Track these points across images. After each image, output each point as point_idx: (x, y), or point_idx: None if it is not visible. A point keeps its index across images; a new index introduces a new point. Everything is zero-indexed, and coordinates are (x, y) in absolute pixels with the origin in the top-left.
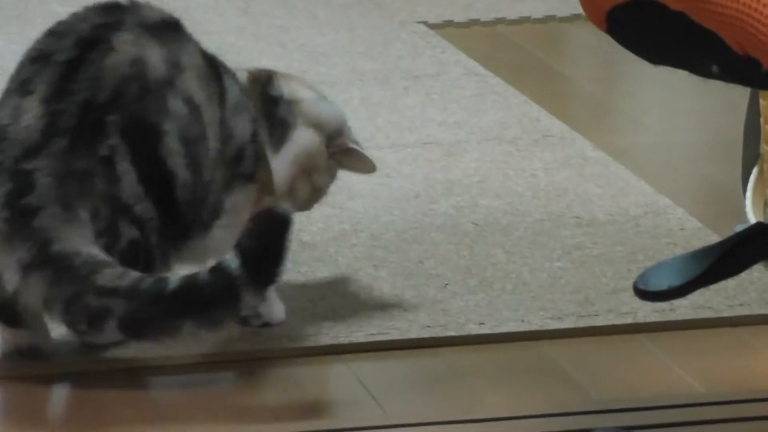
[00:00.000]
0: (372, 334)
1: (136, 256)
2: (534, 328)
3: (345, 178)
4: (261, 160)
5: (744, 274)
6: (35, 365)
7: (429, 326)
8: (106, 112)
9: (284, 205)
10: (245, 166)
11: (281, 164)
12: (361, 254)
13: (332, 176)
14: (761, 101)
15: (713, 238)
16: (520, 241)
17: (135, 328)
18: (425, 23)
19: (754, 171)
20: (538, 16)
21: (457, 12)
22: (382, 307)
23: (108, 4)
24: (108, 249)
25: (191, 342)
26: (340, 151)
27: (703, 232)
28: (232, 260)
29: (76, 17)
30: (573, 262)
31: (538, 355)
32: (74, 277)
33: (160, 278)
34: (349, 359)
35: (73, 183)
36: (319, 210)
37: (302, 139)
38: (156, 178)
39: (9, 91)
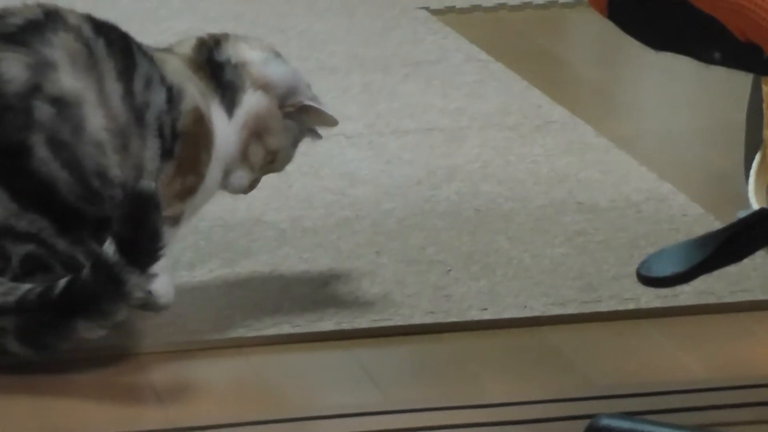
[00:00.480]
0: (374, 320)
1: (39, 266)
2: (536, 314)
3: (347, 165)
4: (183, 137)
5: (746, 261)
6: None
7: (431, 312)
8: None
9: (146, 182)
10: (165, 140)
11: (233, 129)
12: (363, 241)
13: (290, 137)
14: (764, 87)
15: (716, 225)
16: (522, 227)
17: (32, 339)
18: (427, 9)
19: (757, 157)
20: (540, 2)
21: None
22: (385, 293)
23: None
24: (2, 271)
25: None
26: (296, 110)
27: (705, 218)
28: (108, 248)
29: None
30: (575, 248)
31: (540, 341)
32: None
33: (47, 286)
34: (352, 345)
35: None
36: (320, 196)
37: (251, 102)
38: (32, 190)
39: None
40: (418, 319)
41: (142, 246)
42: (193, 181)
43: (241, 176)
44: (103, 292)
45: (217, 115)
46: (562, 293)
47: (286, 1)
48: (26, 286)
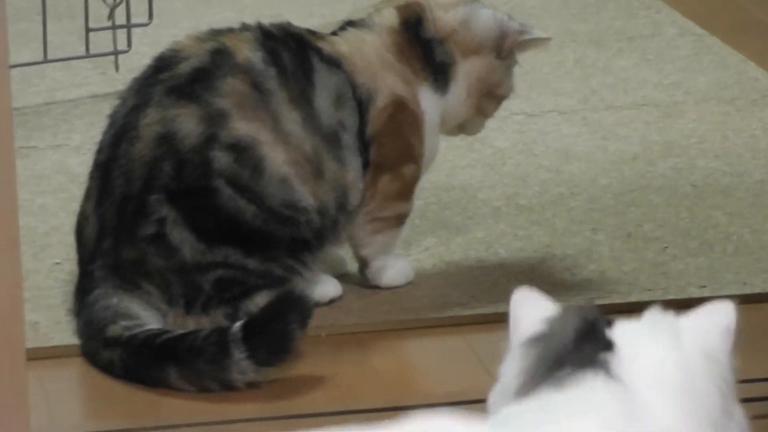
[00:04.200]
0: (591, 298)
1: (233, 284)
2: (757, 290)
3: (561, 141)
4: (379, 138)
5: None
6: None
7: (649, 289)
8: (145, 196)
9: (303, 289)
10: (362, 154)
11: (454, 101)
12: (578, 218)
13: (512, 71)
14: None
15: None
16: (741, 202)
17: (134, 374)
18: None
19: None
20: None
21: None
22: (601, 270)
23: (147, 72)
24: (193, 301)
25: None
26: (512, 50)
27: None
28: (237, 322)
29: (121, 101)
30: None
31: (762, 318)
32: (95, 330)
33: (162, 330)
34: None
35: (126, 273)
36: (535, 174)
37: (467, 71)
38: (219, 225)
39: (84, 198)
40: (635, 297)
41: (268, 340)
42: (413, 170)
43: (478, 125)
44: (204, 351)
45: (427, 95)
46: None
47: None
48: (151, 327)
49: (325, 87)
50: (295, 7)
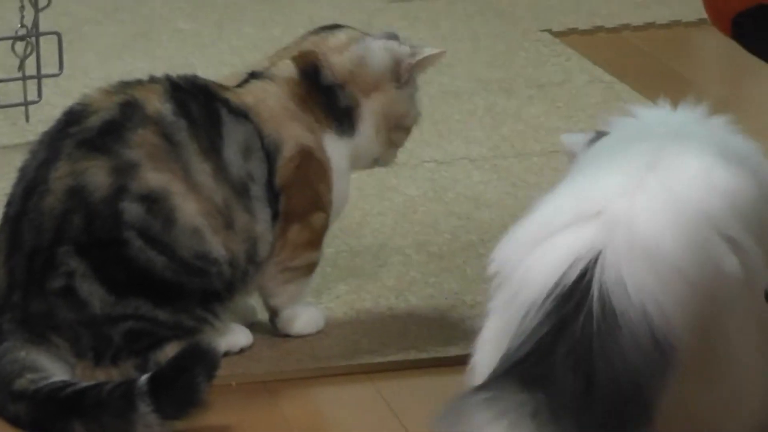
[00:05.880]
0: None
1: (143, 335)
2: None
3: (472, 188)
4: (287, 188)
5: None
6: None
7: None
8: (54, 249)
9: (209, 340)
10: (272, 205)
11: (365, 141)
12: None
13: (416, 100)
14: None
15: None
16: None
17: (39, 428)
18: (549, 31)
19: None
20: (664, 21)
21: (582, 19)
22: None
23: (57, 125)
24: (103, 352)
25: None
26: (410, 73)
27: None
28: (146, 375)
29: (31, 155)
30: None
31: None
32: (2, 383)
33: (69, 382)
34: None
35: (34, 326)
36: (446, 221)
37: (372, 108)
38: (129, 277)
39: None
40: None
41: (174, 393)
42: (322, 219)
43: (391, 156)
44: (108, 405)
45: (332, 141)
46: None
47: (410, 25)
48: (59, 379)
49: (233, 138)
50: (205, 58)
